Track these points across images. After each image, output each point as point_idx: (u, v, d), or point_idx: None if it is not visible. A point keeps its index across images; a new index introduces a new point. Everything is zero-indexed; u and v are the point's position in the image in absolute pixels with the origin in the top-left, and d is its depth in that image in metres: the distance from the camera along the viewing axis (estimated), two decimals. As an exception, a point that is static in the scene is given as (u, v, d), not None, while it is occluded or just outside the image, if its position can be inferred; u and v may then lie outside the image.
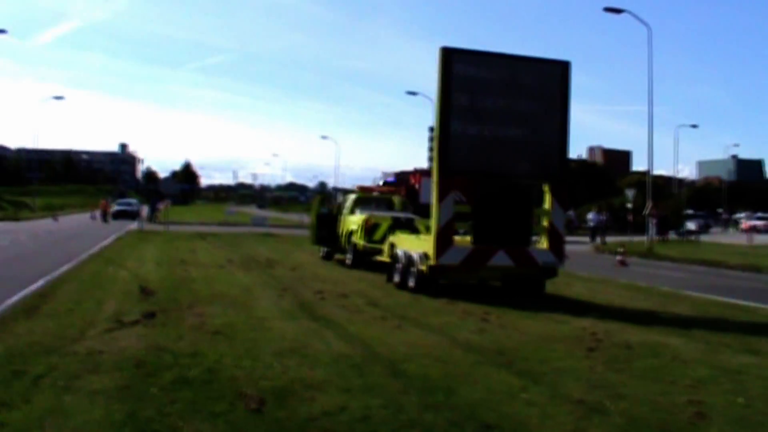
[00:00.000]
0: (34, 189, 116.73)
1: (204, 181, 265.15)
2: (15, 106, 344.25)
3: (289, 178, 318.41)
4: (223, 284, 20.61)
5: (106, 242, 39.35)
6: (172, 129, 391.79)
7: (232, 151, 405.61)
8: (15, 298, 17.27)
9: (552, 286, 21.44)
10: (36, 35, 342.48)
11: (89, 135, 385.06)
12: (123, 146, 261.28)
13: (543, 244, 20.13)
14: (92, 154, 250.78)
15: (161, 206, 72.09)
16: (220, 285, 20.35)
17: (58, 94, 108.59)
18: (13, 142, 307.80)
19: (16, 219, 75.37)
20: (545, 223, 20.06)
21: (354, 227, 28.24)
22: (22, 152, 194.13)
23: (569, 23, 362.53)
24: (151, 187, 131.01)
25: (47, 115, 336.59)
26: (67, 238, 44.97)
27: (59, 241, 41.22)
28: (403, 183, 62.60)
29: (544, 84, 19.58)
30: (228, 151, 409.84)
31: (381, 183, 67.45)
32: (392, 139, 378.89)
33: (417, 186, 62.42)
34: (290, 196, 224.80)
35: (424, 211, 61.98)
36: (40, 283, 20.40)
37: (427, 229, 23.29)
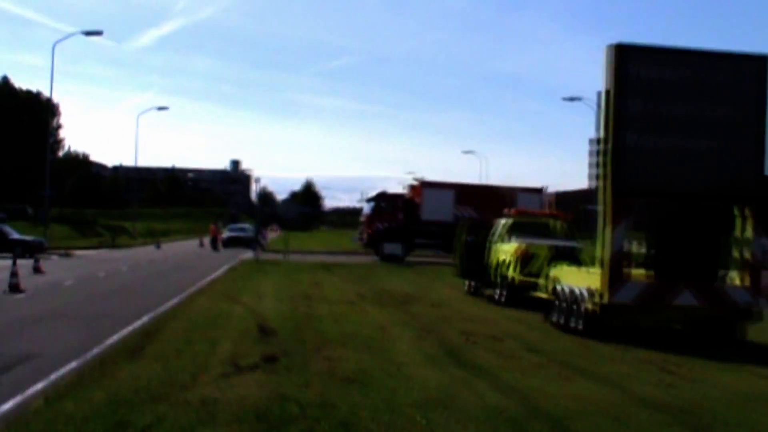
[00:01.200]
0: (134, 212, 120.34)
1: (328, 203, 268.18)
2: (112, 119, 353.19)
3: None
4: (355, 323, 20.87)
5: (217, 273, 40.32)
6: (291, 143, 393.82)
7: (360, 169, 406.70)
8: (116, 338, 17.90)
9: (751, 331, 20.81)
10: (134, 37, 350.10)
11: (196, 150, 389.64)
12: (235, 163, 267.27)
13: (735, 279, 19.59)
14: (200, 172, 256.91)
15: (268, 233, 73.23)
16: (350, 324, 20.62)
17: (161, 104, 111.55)
18: (110, 160, 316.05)
19: (114, 246, 77.78)
20: (738, 253, 19.52)
21: (506, 257, 28.11)
22: (120, 170, 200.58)
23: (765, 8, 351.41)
24: (267, 210, 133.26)
25: (148, 128, 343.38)
26: (172, 268, 46.26)
27: (164, 272, 42.43)
28: (391, 200, 61.83)
29: (737, 84, 19.12)
30: (355, 169, 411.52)
31: (366, 208, 65.59)
32: (547, 153, 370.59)
33: (417, 199, 61.61)
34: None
35: (428, 230, 58.52)
36: (144, 320, 21.12)
37: (594, 261, 22.99)
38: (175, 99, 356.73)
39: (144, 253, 66.97)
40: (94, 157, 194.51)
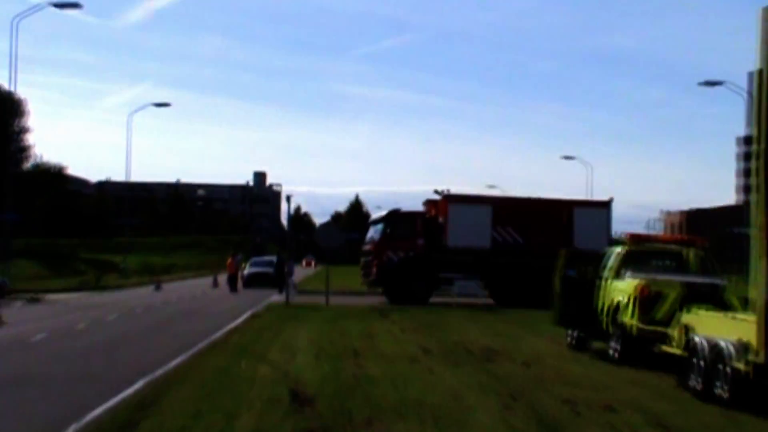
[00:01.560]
0: (126, 242, 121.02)
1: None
2: (95, 120, 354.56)
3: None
4: (418, 388, 20.74)
5: (236, 323, 40.55)
6: (333, 149, 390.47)
7: (424, 181, 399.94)
8: (99, 411, 17.89)
9: None
10: (123, 12, 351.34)
11: (207, 160, 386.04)
12: (259, 176, 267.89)
13: None
14: (212, 189, 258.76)
15: (295, 268, 72.34)
16: (413, 389, 20.52)
17: (159, 100, 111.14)
18: (93, 173, 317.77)
19: (99, 288, 78.36)
20: None
21: (622, 299, 27.86)
22: (106, 187, 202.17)
23: None
24: (302, 238, 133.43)
25: (143, 132, 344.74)
26: (176, 316, 46.50)
27: (165, 322, 42.64)
28: (407, 221, 59.53)
29: None
30: (419, 181, 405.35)
31: (372, 232, 63.30)
32: (675, 158, 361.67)
33: (441, 219, 59.32)
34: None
35: (457, 260, 57.44)
36: (139, 386, 21.19)
37: (745, 304, 22.64)
38: (177, 93, 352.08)
39: (139, 296, 67.50)
40: (72, 170, 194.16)
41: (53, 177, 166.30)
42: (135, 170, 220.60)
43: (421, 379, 22.45)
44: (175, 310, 51.30)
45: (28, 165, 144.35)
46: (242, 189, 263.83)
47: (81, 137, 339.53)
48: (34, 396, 20.11)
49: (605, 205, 60.35)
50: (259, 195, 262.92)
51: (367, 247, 62.71)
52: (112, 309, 50.25)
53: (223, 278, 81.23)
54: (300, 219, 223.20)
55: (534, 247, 56.54)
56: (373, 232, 62.65)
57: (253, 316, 44.27)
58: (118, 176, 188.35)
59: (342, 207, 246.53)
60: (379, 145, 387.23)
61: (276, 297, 61.27)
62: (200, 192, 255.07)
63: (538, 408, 18.53)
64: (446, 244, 57.71)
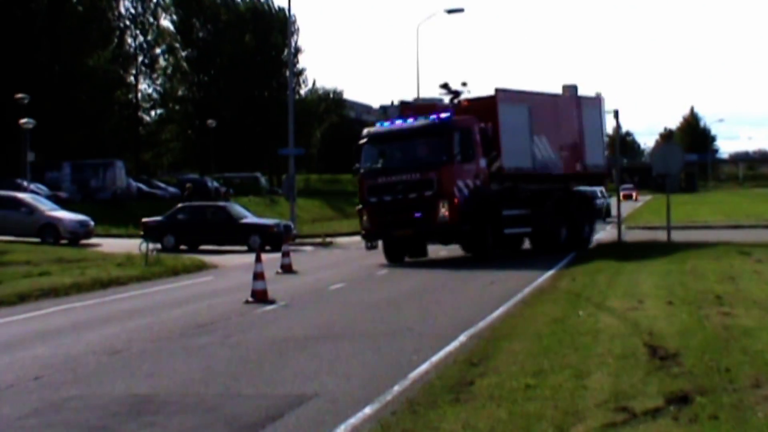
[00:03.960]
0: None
1: (726, 145, 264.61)
2: (376, 34, 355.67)
3: None
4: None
5: (560, 265, 40.71)
6: (655, 51, 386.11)
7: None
8: (424, 368, 18.11)
9: None
10: None
11: (511, 72, 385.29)
12: (569, 90, 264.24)
13: None
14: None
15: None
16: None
17: (451, 6, 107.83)
18: (377, 98, 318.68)
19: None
20: None
21: None
22: (391, 113, 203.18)
23: None
24: (625, 164, 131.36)
25: (433, 45, 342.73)
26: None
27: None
28: (467, 132, 44.76)
29: None
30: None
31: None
32: None
33: (489, 123, 45.66)
34: None
35: (516, 192, 48.27)
36: (462, 339, 21.38)
37: None
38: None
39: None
40: (351, 94, 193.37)
41: (330, 104, 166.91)
42: (425, 91, 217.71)
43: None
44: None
45: (301, 91, 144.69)
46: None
47: (358, 55, 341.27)
48: (345, 351, 20.55)
49: (597, 101, 54.30)
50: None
51: (403, 177, 44.66)
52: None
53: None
54: (622, 139, 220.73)
55: (563, 164, 50.57)
56: (419, 150, 45.95)
57: (579, 257, 43.90)
58: (408, 97, 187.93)
59: (672, 123, 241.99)
60: (715, 42, 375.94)
61: (602, 234, 60.64)
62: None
63: None
64: (501, 166, 46.79)
